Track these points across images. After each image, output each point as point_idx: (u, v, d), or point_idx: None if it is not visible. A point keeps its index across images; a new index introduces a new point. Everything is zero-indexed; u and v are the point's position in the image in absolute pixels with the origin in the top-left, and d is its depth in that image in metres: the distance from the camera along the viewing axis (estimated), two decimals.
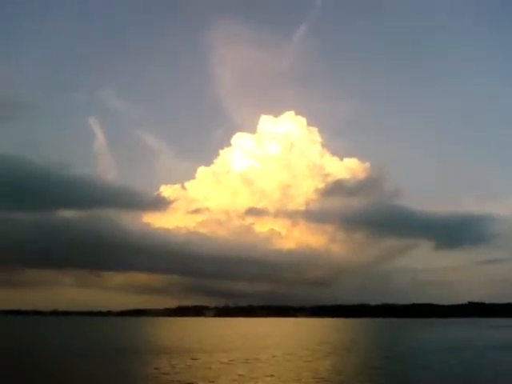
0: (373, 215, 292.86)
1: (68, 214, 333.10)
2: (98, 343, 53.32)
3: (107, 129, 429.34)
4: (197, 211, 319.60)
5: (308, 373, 25.62)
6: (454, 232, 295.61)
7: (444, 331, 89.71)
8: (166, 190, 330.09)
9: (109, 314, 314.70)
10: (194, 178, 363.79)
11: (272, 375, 24.59)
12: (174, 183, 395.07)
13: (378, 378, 25.02)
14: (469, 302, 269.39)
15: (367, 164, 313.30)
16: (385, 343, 56.51)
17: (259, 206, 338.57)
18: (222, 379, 23.06)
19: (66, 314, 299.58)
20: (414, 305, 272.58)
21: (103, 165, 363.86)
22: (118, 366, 28.60)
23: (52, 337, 68.33)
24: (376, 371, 27.39)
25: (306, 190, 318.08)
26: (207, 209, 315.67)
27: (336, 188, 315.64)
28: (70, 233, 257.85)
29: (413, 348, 46.52)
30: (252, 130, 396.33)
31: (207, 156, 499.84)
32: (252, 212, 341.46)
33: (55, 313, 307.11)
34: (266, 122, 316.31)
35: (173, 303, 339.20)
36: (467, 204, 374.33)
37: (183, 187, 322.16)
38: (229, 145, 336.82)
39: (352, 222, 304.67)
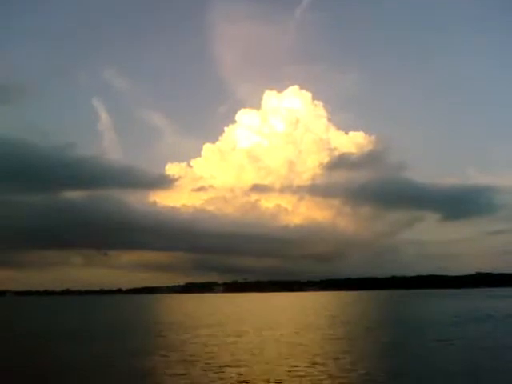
0: (379, 188, 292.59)
1: (74, 194, 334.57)
2: (109, 322, 53.20)
3: (111, 109, 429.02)
4: (203, 189, 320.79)
5: (320, 350, 25.09)
6: (459, 204, 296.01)
7: (456, 302, 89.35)
8: (172, 168, 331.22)
9: (119, 292, 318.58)
10: (199, 155, 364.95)
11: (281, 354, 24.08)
12: (180, 161, 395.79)
13: (396, 355, 24.40)
14: (477, 273, 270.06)
15: (373, 137, 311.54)
16: (398, 315, 56.06)
17: (265, 182, 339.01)
18: (236, 356, 22.56)
19: (76, 293, 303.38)
20: (422, 276, 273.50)
21: (108, 145, 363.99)
22: (130, 345, 28.17)
23: (65, 317, 68.52)
24: (393, 347, 26.83)
25: (312, 165, 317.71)
26: (213, 186, 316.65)
27: (342, 162, 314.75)
28: (76, 213, 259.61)
29: (427, 320, 45.94)
30: (256, 105, 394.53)
31: (212, 133, 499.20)
32: (258, 188, 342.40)
33: (66, 292, 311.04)
34: (270, 97, 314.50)
35: (181, 280, 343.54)
36: (472, 176, 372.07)
37: (189, 165, 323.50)
38: (233, 121, 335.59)
39: (358, 195, 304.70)
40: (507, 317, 46.08)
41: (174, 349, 25.87)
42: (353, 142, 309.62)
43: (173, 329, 39.01)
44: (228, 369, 19.35)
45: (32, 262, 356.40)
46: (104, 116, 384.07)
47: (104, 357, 23.88)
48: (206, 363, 20.76)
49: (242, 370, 19.15)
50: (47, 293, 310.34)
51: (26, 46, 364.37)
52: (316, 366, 19.75)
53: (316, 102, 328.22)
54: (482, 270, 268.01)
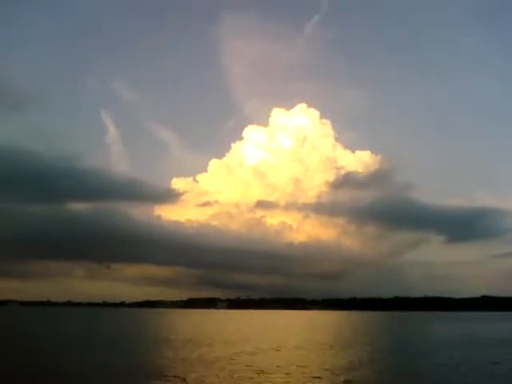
0: (384, 208, 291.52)
1: (79, 206, 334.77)
2: (112, 335, 53.37)
3: (119, 121, 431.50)
4: (208, 204, 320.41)
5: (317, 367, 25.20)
6: (465, 226, 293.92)
7: (461, 325, 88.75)
8: (178, 183, 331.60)
9: (121, 305, 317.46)
10: (205, 170, 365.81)
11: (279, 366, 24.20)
12: (186, 176, 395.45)
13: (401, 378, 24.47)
14: (482, 296, 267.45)
15: (379, 157, 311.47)
16: (401, 337, 55.89)
17: (271, 198, 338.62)
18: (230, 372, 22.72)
19: (79, 305, 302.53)
20: (426, 298, 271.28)
21: (115, 157, 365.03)
22: (133, 359, 28.36)
23: (68, 329, 68.69)
24: (396, 369, 26.90)
25: (318, 183, 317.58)
26: (218, 201, 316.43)
27: (348, 181, 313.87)
28: (80, 225, 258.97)
29: (431, 343, 45.84)
30: (264, 122, 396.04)
31: (219, 149, 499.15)
32: (263, 205, 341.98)
33: (69, 304, 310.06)
34: (277, 114, 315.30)
35: (184, 295, 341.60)
36: (480, 198, 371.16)
37: (195, 180, 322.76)
38: (240, 138, 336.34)
39: (363, 214, 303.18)
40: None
41: (172, 367, 25.98)
42: (359, 161, 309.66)
43: (173, 346, 38.92)
44: None
45: (35, 273, 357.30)
46: (112, 128, 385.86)
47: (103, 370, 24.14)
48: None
49: None
50: (50, 303, 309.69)
51: (36, 54, 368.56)
52: None
53: (324, 120, 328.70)
54: (488, 294, 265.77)
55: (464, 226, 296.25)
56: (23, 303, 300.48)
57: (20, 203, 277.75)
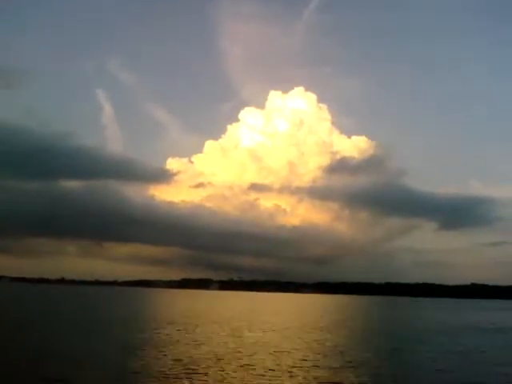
0: (378, 194, 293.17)
1: (73, 184, 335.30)
2: (104, 314, 53.55)
3: (115, 101, 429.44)
4: (203, 185, 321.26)
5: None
6: (457, 214, 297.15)
7: (450, 312, 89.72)
8: (173, 163, 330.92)
9: (114, 283, 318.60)
10: (201, 152, 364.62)
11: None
12: (182, 157, 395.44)
13: (389, 363, 24.66)
14: (472, 284, 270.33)
15: (374, 142, 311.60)
16: (392, 323, 56.39)
17: (266, 181, 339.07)
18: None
19: (72, 282, 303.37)
20: (416, 284, 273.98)
21: (110, 136, 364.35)
22: (122, 338, 28.43)
23: (61, 308, 68.80)
24: (388, 355, 27.11)
25: (312, 167, 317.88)
26: (213, 183, 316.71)
27: (342, 166, 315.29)
28: (74, 203, 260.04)
29: (422, 329, 46.25)
30: (261, 105, 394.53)
31: (215, 131, 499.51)
32: (257, 187, 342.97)
33: (62, 281, 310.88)
34: (274, 97, 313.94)
35: (177, 275, 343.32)
36: (471, 186, 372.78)
37: (190, 161, 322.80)
38: (237, 120, 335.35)
39: (357, 200, 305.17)
40: (499, 330, 46.49)
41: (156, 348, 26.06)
42: (355, 146, 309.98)
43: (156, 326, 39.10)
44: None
45: (28, 249, 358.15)
46: (107, 107, 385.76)
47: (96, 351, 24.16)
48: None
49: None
50: (42, 280, 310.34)
51: (33, 32, 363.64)
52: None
53: (321, 104, 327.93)
54: (477, 281, 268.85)
55: (455, 214, 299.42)
56: (15, 279, 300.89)
57: (14, 180, 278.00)
